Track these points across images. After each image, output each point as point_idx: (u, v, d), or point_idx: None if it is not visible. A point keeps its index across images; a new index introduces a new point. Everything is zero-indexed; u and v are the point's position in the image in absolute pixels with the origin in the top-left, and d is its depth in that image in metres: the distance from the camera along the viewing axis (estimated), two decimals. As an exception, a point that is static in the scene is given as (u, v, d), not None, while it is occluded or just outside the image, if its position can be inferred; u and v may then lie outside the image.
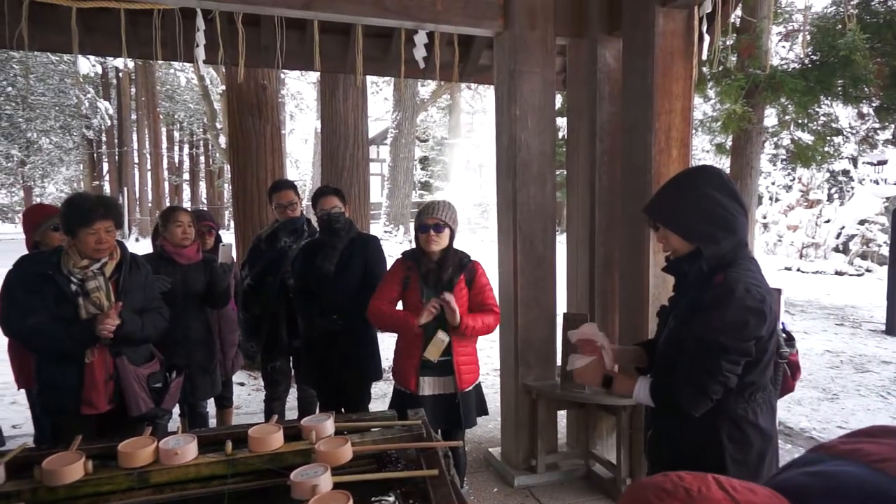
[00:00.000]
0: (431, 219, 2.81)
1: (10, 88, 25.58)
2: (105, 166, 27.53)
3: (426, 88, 19.03)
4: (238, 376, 5.35)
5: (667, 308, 1.84)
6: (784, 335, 1.80)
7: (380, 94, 25.57)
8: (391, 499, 1.72)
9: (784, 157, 13.45)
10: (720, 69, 8.31)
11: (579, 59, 3.69)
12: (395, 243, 17.13)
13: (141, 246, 17.85)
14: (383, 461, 1.88)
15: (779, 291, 2.08)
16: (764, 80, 8.13)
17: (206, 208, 22.24)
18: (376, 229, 18.51)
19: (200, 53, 3.06)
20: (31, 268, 2.44)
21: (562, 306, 3.79)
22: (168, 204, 30.31)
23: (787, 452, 4.17)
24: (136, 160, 22.65)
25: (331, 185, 3.64)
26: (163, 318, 2.73)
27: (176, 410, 3.59)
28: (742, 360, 1.61)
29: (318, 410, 3.77)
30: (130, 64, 17.90)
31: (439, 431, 3.06)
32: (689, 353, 1.63)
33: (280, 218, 3.79)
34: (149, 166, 22.24)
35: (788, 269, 13.84)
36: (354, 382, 3.36)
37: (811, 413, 5.03)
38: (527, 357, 3.60)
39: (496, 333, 3.82)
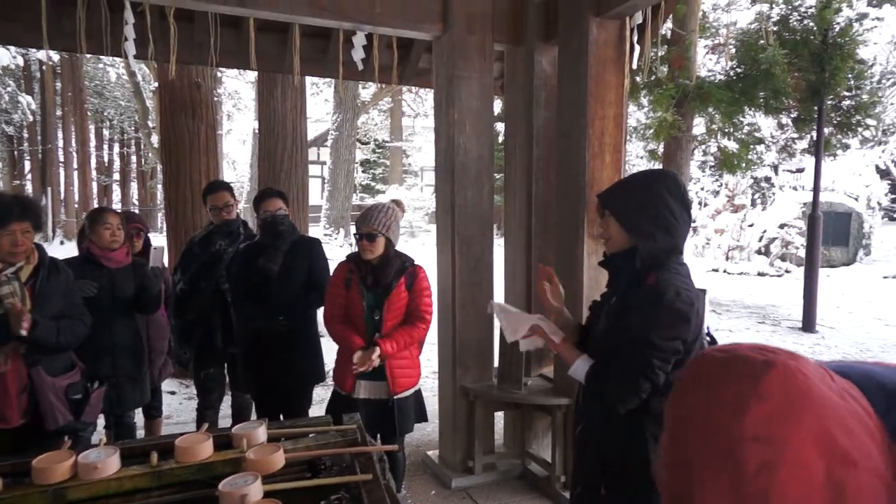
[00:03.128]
0: (366, 227, 2.81)
1: (-83, 80, 23.81)
2: (27, 164, 25.93)
3: (367, 91, 18.89)
4: (169, 385, 5.15)
5: (599, 303, 1.90)
6: (708, 338, 1.88)
7: (320, 96, 25.21)
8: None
9: (712, 164, 14.11)
10: (652, 79, 8.65)
11: (517, 66, 3.76)
12: (335, 246, 16.89)
13: (66, 249, 16.90)
14: (318, 468, 1.85)
15: (703, 292, 2.18)
16: (692, 91, 8.52)
17: (137, 210, 21.32)
18: (316, 232, 18.22)
19: (130, 48, 2.94)
20: None
21: (500, 308, 3.84)
22: (96, 205, 28.83)
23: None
24: (62, 159, 21.43)
25: (274, 188, 3.57)
26: (84, 324, 2.60)
27: (101, 422, 3.43)
28: (672, 359, 1.69)
29: (253, 417, 3.68)
30: (56, 57, 16.99)
31: (378, 437, 3.05)
32: (623, 352, 1.71)
33: (215, 220, 3.68)
34: (75, 165, 21.07)
35: (716, 270, 14.51)
36: (296, 386, 3.31)
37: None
38: (464, 359, 3.63)
39: (435, 336, 3.84)
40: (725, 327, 8.65)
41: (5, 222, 2.27)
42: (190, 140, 5.47)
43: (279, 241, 3.25)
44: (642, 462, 1.74)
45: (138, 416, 4.13)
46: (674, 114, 8.35)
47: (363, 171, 31.23)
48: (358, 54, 3.39)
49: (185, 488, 1.73)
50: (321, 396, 5.07)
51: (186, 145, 5.47)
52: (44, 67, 19.01)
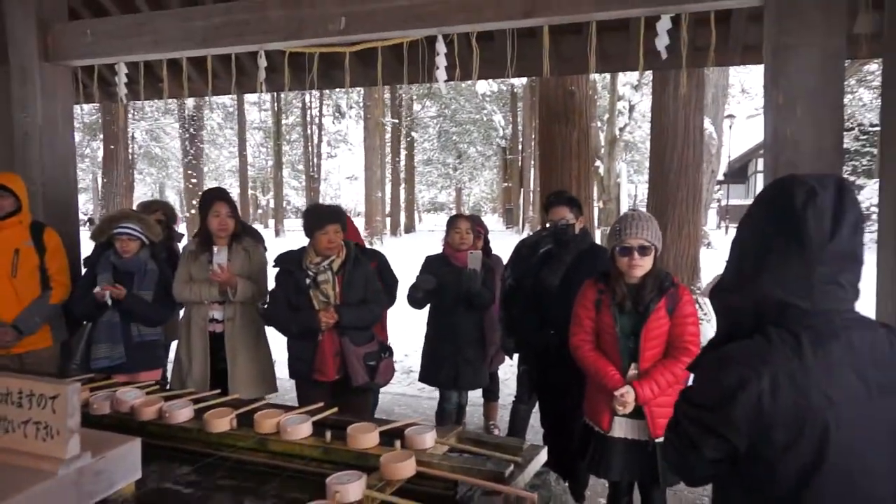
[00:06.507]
0: (635, 239, 2.45)
1: (446, 110, 31.80)
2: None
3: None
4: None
5: None
6: None
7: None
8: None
9: None
10: None
11: (899, 13, 2.62)
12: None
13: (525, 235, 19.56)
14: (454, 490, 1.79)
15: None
16: None
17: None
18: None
19: (441, 74, 3.33)
20: (281, 265, 3.13)
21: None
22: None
23: None
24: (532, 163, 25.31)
25: (565, 193, 3.48)
26: (379, 306, 3.18)
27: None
28: (708, 434, 1.18)
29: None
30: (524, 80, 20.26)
31: (635, 484, 2.69)
32: None
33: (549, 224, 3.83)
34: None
35: None
36: (571, 404, 3.16)
37: None
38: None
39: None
40: None
41: (323, 224, 2.96)
42: (562, 146, 5.74)
43: (563, 252, 3.16)
44: None
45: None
46: None
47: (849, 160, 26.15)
48: (662, 41, 2.97)
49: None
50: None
51: (558, 151, 5.76)
52: (515, 90, 22.69)
